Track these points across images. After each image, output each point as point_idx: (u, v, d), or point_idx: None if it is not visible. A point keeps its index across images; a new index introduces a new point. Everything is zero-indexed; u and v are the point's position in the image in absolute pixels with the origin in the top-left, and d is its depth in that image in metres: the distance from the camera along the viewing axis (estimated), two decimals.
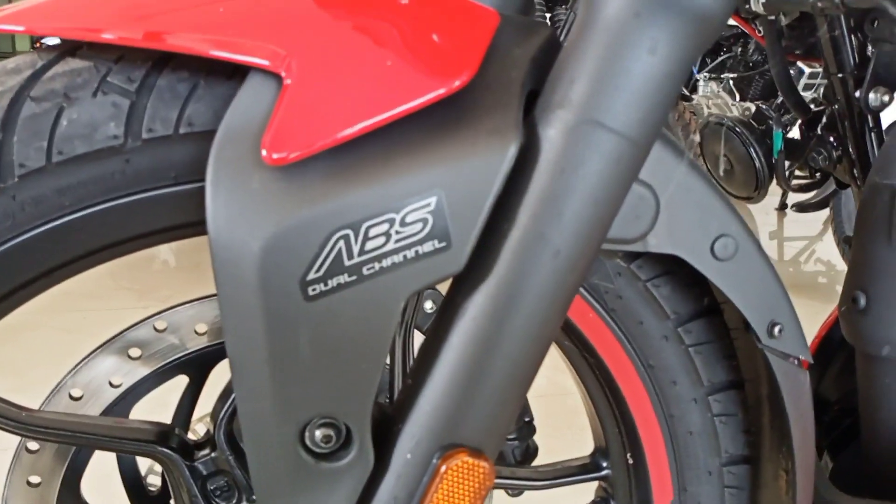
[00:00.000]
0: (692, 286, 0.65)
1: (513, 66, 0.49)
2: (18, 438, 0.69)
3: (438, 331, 0.48)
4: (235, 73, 0.49)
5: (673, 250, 0.57)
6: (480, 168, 0.46)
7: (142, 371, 0.69)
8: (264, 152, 0.44)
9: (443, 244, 0.46)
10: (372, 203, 0.45)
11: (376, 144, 0.46)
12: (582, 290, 0.64)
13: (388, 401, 0.68)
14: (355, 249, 0.45)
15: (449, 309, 0.48)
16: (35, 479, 0.70)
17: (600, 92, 0.45)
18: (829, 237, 3.38)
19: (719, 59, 3.72)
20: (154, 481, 0.74)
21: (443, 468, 0.47)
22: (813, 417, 0.69)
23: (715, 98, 3.53)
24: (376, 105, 0.45)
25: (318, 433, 0.48)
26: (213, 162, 0.46)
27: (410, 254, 0.46)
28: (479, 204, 0.46)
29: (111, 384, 0.69)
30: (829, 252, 3.58)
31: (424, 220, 0.46)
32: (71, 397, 0.68)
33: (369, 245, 0.45)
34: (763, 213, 4.21)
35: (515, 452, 0.79)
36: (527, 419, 0.81)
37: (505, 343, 0.47)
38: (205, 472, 0.61)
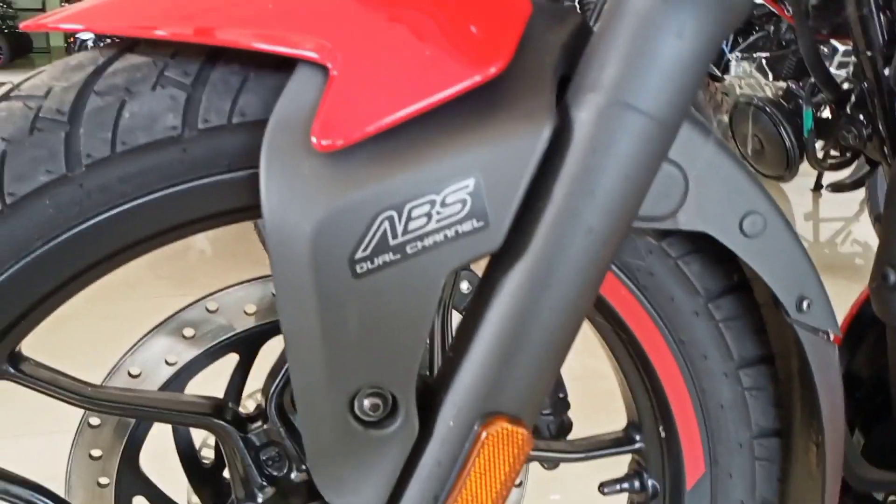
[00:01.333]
0: (721, 263, 0.67)
1: (545, 52, 0.52)
2: (80, 417, 0.73)
3: (477, 306, 0.51)
4: (283, 65, 0.52)
5: (702, 227, 0.59)
6: (516, 150, 0.48)
7: (195, 350, 0.73)
8: (314, 139, 0.47)
9: (481, 223, 0.49)
10: (414, 185, 0.48)
11: (417, 130, 0.49)
12: (614, 267, 0.66)
13: (428, 373, 0.71)
14: (399, 229, 0.48)
15: (487, 285, 0.51)
16: (97, 453, 0.74)
17: (629, 75, 0.48)
18: (866, 218, 3.34)
19: (751, 38, 3.68)
20: (208, 454, 0.78)
21: (483, 434, 0.50)
22: (842, 391, 0.70)
23: (747, 78, 3.50)
24: (416, 93, 0.48)
25: (367, 402, 0.51)
26: (265, 150, 0.49)
27: (451, 233, 0.48)
28: (515, 185, 0.49)
29: (167, 362, 0.73)
30: (866, 233, 3.54)
31: (464, 201, 0.48)
32: (130, 375, 0.72)
33: (412, 225, 0.48)
34: (798, 193, 4.17)
35: (551, 427, 0.82)
36: (561, 395, 0.83)
37: (541, 316, 0.50)
38: (258, 443, 0.65)
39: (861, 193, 3.26)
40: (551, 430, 0.82)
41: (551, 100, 0.50)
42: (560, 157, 0.49)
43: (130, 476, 0.75)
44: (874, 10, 0.87)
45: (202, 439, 0.78)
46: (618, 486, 0.79)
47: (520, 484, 0.86)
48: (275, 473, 0.64)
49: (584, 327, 0.72)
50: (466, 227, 0.49)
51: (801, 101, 2.11)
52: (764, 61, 3.61)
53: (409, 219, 0.48)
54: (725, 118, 2.70)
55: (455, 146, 0.49)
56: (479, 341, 0.51)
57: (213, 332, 0.73)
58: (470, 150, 0.48)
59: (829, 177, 3.50)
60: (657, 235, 0.65)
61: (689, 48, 0.48)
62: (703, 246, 0.66)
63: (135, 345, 0.73)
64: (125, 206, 0.54)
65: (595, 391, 1.42)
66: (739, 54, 3.66)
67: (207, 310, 0.73)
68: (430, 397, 0.52)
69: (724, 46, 3.84)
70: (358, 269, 0.49)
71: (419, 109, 0.48)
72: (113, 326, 2.34)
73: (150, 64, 0.53)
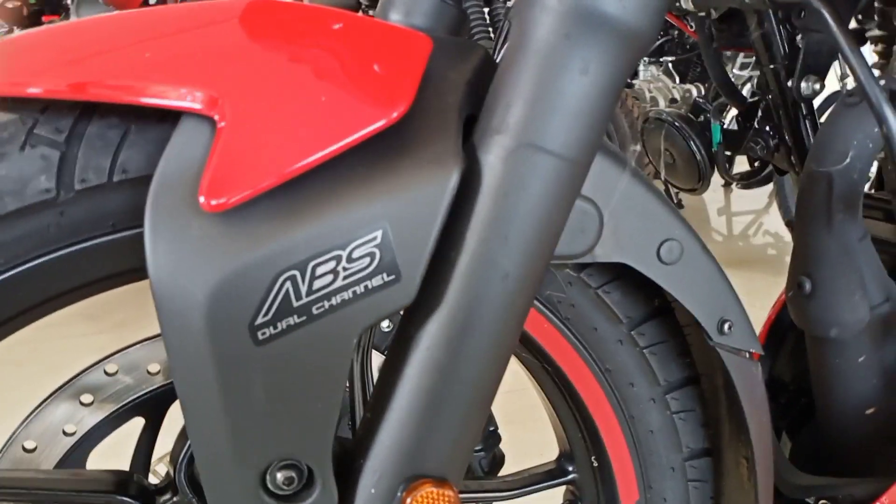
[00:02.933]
0: (642, 289, 0.66)
1: (449, 91, 0.49)
2: None
3: (394, 362, 0.48)
4: (167, 116, 0.48)
5: (620, 258, 0.58)
6: (424, 198, 0.46)
7: (96, 416, 0.67)
8: (202, 199, 0.44)
9: (392, 277, 0.46)
10: (316, 241, 0.45)
11: (316, 182, 0.46)
12: (536, 301, 0.64)
13: (349, 425, 0.68)
14: (303, 290, 0.45)
15: (403, 340, 0.48)
16: None
17: (536, 115, 0.46)
18: (775, 210, 3.46)
19: (657, 42, 3.77)
20: None
21: (408, 500, 0.47)
22: (767, 406, 0.70)
23: (655, 82, 3.58)
24: (313, 143, 0.45)
25: (280, 475, 0.47)
26: (150, 211, 0.45)
27: (360, 289, 0.45)
28: (426, 234, 0.46)
29: (65, 433, 0.67)
30: (776, 224, 3.67)
31: (372, 255, 0.45)
32: (24, 450, 0.66)
33: (317, 284, 0.45)
34: (710, 189, 4.30)
35: (482, 463, 0.80)
36: (491, 429, 0.81)
37: (461, 369, 0.47)
38: None
39: (770, 187, 3.37)
40: (483, 467, 0.79)
41: (457, 142, 0.47)
42: (470, 203, 0.47)
43: None
44: (775, 24, 0.88)
45: None
46: None
47: None
48: None
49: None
50: (376, 281, 0.46)
51: (709, 114, 2.17)
52: (670, 65, 3.71)
53: (313, 277, 0.45)
54: (638, 124, 2.77)
55: (359, 197, 0.45)
56: (397, 401, 0.48)
57: (115, 395, 0.68)
58: (375, 200, 0.45)
59: (739, 170, 3.62)
60: (577, 267, 0.63)
61: (595, 84, 0.46)
62: (623, 274, 0.65)
63: (29, 415, 0.67)
64: (0, 278, 0.49)
65: (530, 403, 1.41)
66: (647, 59, 3.75)
67: (106, 372, 0.67)
68: (349, 463, 0.49)
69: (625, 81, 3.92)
70: (260, 336, 0.45)
71: (317, 160, 0.45)
72: (22, 372, 2.21)
73: (17, 121, 0.48)
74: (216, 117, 0.45)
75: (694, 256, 0.61)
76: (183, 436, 0.62)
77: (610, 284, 0.65)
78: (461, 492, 0.70)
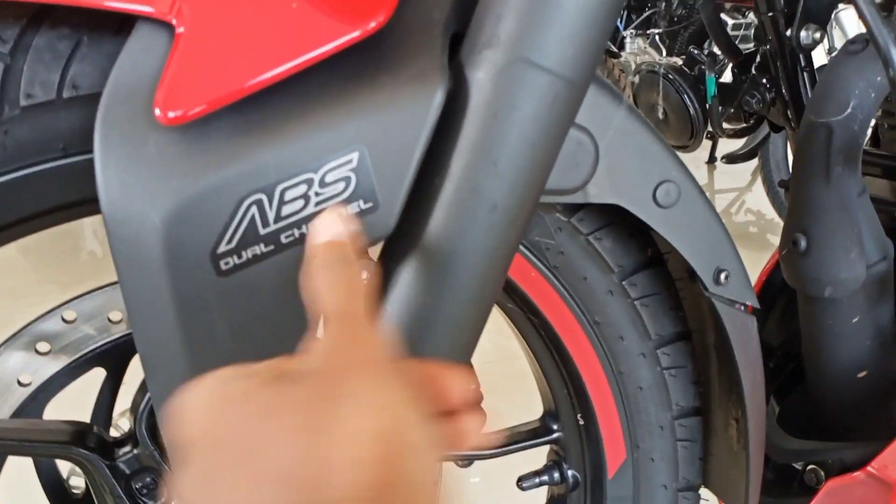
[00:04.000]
0: (635, 237, 0.63)
1: (433, 5, 0.45)
2: None
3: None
4: (123, 28, 0.44)
5: (615, 200, 0.54)
6: (405, 118, 0.42)
7: (53, 366, 0.63)
8: (158, 111, 0.39)
9: (369, 204, 0.42)
10: (286, 163, 0.40)
11: (286, 97, 0.41)
12: (522, 247, 0.61)
13: None
14: (270, 216, 0.41)
15: (382, 275, 0.44)
16: None
17: (530, 28, 0.42)
18: (758, 187, 3.45)
19: (644, 14, 3.73)
20: (78, 483, 0.68)
21: None
22: (761, 363, 0.67)
23: (642, 54, 3.53)
24: (283, 52, 0.41)
25: None
26: (100, 126, 0.41)
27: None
28: (406, 158, 0.42)
29: (20, 383, 0.63)
30: (759, 202, 3.66)
31: (347, 179, 0.41)
32: None
33: (286, 210, 0.41)
34: (693, 166, 4.28)
35: None
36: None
37: (444, 308, 0.44)
38: (128, 471, 0.56)
39: (753, 164, 3.36)
40: None
41: (443, 59, 0.43)
42: (456, 124, 0.43)
43: None
44: None
45: (69, 468, 0.68)
46: (537, 480, 0.74)
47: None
48: (149, 503, 0.56)
49: (493, 311, 0.66)
50: (352, 209, 0.42)
51: (703, 66, 2.12)
52: (657, 37, 3.66)
53: (281, 202, 0.41)
54: (633, 80, 2.72)
55: (333, 115, 0.41)
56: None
57: (74, 344, 0.64)
58: (351, 119, 0.41)
59: (723, 149, 3.59)
60: (567, 211, 0.60)
61: None
62: (615, 220, 0.61)
63: None
64: None
65: (511, 372, 1.39)
66: (633, 31, 3.70)
67: (64, 319, 0.63)
68: None
69: (618, 24, 3.88)
70: (223, 266, 0.41)
71: (287, 71, 0.41)
72: None
73: None
74: (174, 22, 0.40)
75: (691, 201, 0.58)
76: (144, 387, 0.58)
77: (601, 231, 0.61)
78: None
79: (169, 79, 0.39)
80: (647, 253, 0.64)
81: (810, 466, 0.86)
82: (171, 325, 0.41)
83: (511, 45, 0.42)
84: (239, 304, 0.41)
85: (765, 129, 2.59)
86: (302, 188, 0.41)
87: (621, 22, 3.86)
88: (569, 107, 0.44)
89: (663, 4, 3.70)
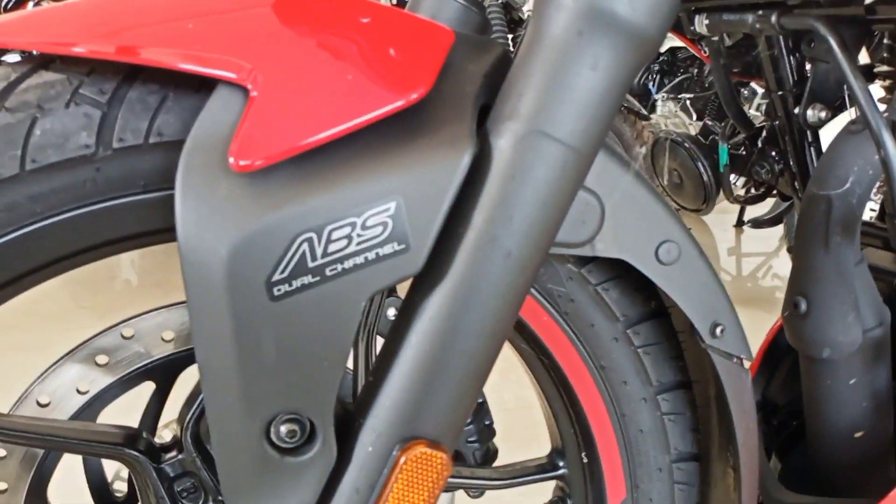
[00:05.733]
0: (639, 290, 0.69)
1: (467, 81, 0.53)
2: None
3: (398, 329, 0.51)
4: (203, 86, 0.52)
5: (619, 254, 0.61)
6: (437, 175, 0.49)
7: (108, 378, 0.70)
8: (231, 160, 0.47)
9: (402, 246, 0.49)
10: (334, 207, 0.48)
11: (338, 153, 0.49)
12: (536, 293, 0.67)
13: (351, 393, 0.70)
14: (318, 251, 0.48)
15: (408, 308, 0.51)
16: (1, 486, 0.70)
17: (546, 105, 0.49)
18: (785, 252, 3.47)
19: (677, 79, 3.83)
20: (121, 487, 0.75)
21: (402, 459, 0.50)
22: (755, 415, 0.72)
23: (673, 117, 3.62)
24: (338, 115, 0.48)
25: (284, 428, 0.50)
26: (182, 169, 0.48)
27: (371, 255, 0.48)
28: (436, 209, 0.49)
29: (78, 391, 0.70)
30: (785, 267, 3.68)
31: (384, 224, 0.48)
32: (38, 404, 0.69)
33: (332, 248, 0.48)
34: (721, 229, 4.31)
35: (476, 454, 0.82)
36: (487, 422, 0.83)
37: (461, 340, 0.50)
38: (172, 474, 0.63)
39: (781, 230, 3.39)
40: (477, 458, 0.81)
41: (472, 127, 0.50)
42: (479, 183, 0.50)
43: None
44: (784, 52, 0.91)
45: (115, 471, 0.75)
46: None
47: None
48: None
49: (511, 356, 0.72)
50: (387, 249, 0.49)
51: (716, 136, 2.20)
52: (688, 102, 3.76)
53: (328, 241, 0.48)
54: (642, 150, 2.81)
55: (377, 170, 0.49)
56: (399, 365, 0.50)
57: (129, 359, 0.71)
58: (392, 173, 0.49)
59: (751, 213, 3.63)
60: (578, 263, 0.66)
61: (603, 80, 0.49)
62: (622, 273, 0.67)
63: (44, 372, 0.70)
64: (34, 227, 0.52)
65: (527, 421, 1.43)
66: (665, 95, 3.80)
67: (123, 336, 0.70)
68: (349, 423, 0.52)
69: (650, 87, 3.99)
70: (275, 292, 0.48)
71: (340, 132, 0.48)
72: (26, 358, 2.25)
73: (64, 81, 0.52)
74: (249, 87, 0.48)
75: (691, 259, 0.64)
76: (191, 399, 0.65)
77: (609, 282, 0.67)
78: (453, 476, 0.72)
79: (242, 133, 0.47)
80: (651, 305, 0.70)
81: None
82: (228, 341, 0.48)
83: (529, 118, 0.49)
84: (287, 325, 0.48)
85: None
86: (346, 230, 0.48)
87: (654, 85, 3.98)
88: (577, 172, 0.51)
89: (695, 71, 3.80)
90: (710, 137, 2.26)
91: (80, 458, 0.73)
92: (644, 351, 0.70)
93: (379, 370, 0.51)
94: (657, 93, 3.79)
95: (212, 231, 0.47)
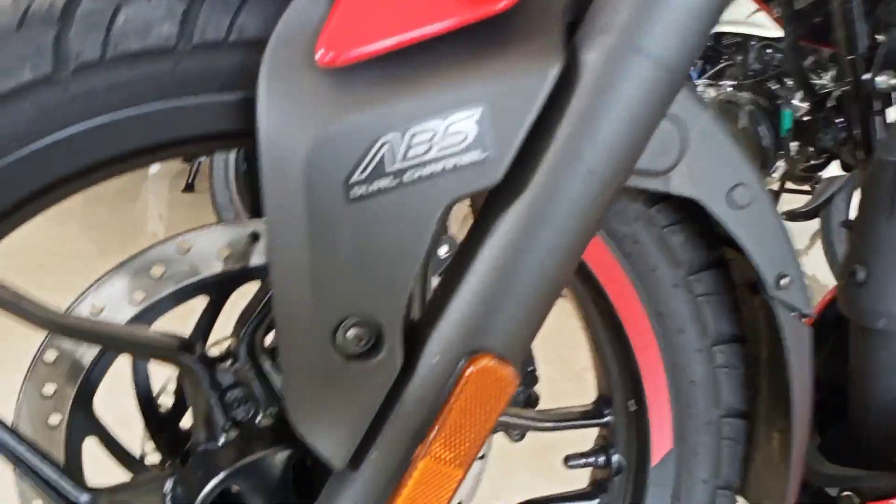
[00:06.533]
0: (704, 237, 0.67)
1: None
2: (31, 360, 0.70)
3: (471, 241, 0.50)
4: None
5: (692, 193, 0.59)
6: (524, 85, 0.48)
7: (163, 289, 0.70)
8: (318, 54, 0.46)
9: (483, 156, 0.48)
10: (419, 110, 0.47)
11: (424, 56, 0.48)
12: (601, 232, 0.66)
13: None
14: (399, 155, 0.47)
15: (483, 220, 0.50)
16: (49, 391, 0.71)
17: (641, 19, 0.48)
18: (816, 251, 3.42)
19: (719, 66, 3.77)
20: (166, 401, 0.75)
21: (469, 370, 0.49)
22: (812, 375, 0.71)
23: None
24: (426, 17, 0.47)
25: (351, 333, 0.50)
26: (266, 64, 0.48)
27: (451, 164, 0.48)
28: (521, 120, 0.48)
29: (133, 300, 0.70)
30: (816, 266, 3.63)
31: (467, 132, 0.48)
32: (93, 307, 0.69)
33: (412, 152, 0.47)
34: None
35: (519, 397, 0.81)
36: (530, 368, 0.83)
37: (535, 255, 0.49)
38: (224, 384, 0.63)
39: (812, 228, 3.34)
40: (519, 402, 0.81)
41: (561, 40, 0.49)
42: (566, 98, 0.49)
43: (83, 418, 0.72)
44: (858, 16, 0.89)
45: (162, 384, 0.75)
46: (583, 461, 0.78)
47: (482, 457, 0.85)
48: (239, 416, 0.62)
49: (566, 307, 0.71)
50: (467, 158, 0.48)
51: (780, 101, 2.16)
52: (729, 90, 3.70)
53: (410, 145, 0.47)
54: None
55: (463, 76, 0.48)
56: (471, 277, 0.50)
57: (185, 272, 0.71)
58: (478, 81, 0.48)
59: (783, 206, 3.58)
60: (647, 201, 0.65)
61: None
62: (688, 217, 0.66)
63: (100, 278, 0.70)
64: (109, 117, 0.52)
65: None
66: (707, 81, 3.74)
67: (180, 248, 0.70)
68: (416, 333, 0.51)
69: (692, 72, 3.93)
70: (352, 194, 0.47)
71: (427, 34, 0.47)
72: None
73: None
74: None
75: (762, 206, 0.62)
76: (248, 311, 0.65)
77: (675, 226, 0.66)
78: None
79: (330, 28, 0.46)
80: (715, 254, 0.68)
81: (846, 493, 0.88)
82: (303, 240, 0.48)
83: (623, 32, 0.48)
84: (362, 228, 0.48)
85: (828, 190, 2.59)
86: (429, 134, 0.47)
87: (696, 70, 3.92)
88: (667, 93, 0.49)
89: (739, 58, 3.74)
90: (773, 101, 2.22)
91: (127, 375, 0.73)
92: (704, 300, 0.69)
93: (448, 281, 0.51)
94: (699, 79, 3.74)
95: (293, 128, 0.47)
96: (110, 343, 0.62)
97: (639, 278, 0.68)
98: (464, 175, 0.48)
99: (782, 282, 0.65)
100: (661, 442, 0.74)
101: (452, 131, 0.47)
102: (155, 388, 0.75)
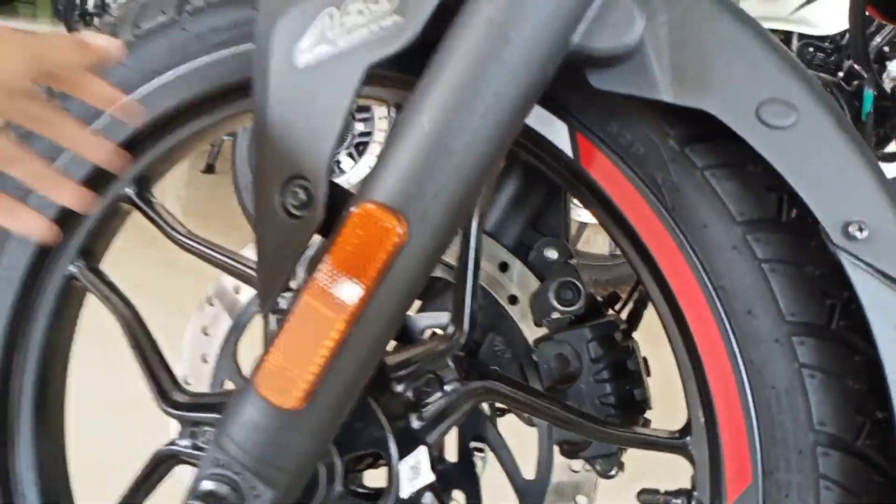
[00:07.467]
0: (767, 185, 0.55)
1: None
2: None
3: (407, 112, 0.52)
4: None
5: (698, 104, 0.51)
6: None
7: None
8: None
9: (401, 20, 0.52)
10: None
11: None
12: (638, 180, 0.58)
13: None
14: (336, 23, 0.54)
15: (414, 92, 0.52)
16: (210, 330, 0.86)
17: None
18: None
19: None
20: None
21: (352, 210, 0.50)
22: None
23: None
24: None
25: (293, 192, 0.55)
26: None
27: (374, 28, 0.52)
28: None
29: None
30: None
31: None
32: None
33: (347, 20, 0.54)
34: None
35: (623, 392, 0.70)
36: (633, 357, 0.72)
37: (430, 116, 0.50)
38: None
39: None
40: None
41: None
42: None
43: (228, 361, 0.86)
44: None
45: None
46: (660, 499, 0.63)
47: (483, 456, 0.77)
48: None
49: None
50: (388, 22, 0.52)
51: (862, 82, 1.91)
52: None
53: (344, 14, 0.54)
54: None
55: None
56: (393, 139, 0.52)
57: None
58: None
59: None
60: (680, 139, 0.57)
61: None
62: (737, 160, 0.55)
63: None
64: (217, 54, 0.69)
65: None
66: None
67: None
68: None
69: None
70: (299, 61, 0.55)
71: None
72: None
73: None
74: None
75: (815, 128, 0.50)
76: None
77: (721, 169, 0.56)
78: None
79: None
80: (785, 209, 0.54)
81: None
82: (263, 104, 0.56)
83: None
84: (301, 94, 0.54)
85: None
86: (360, 4, 0.53)
87: None
88: None
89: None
90: (854, 83, 1.95)
91: None
92: (770, 268, 0.54)
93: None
94: None
95: (270, 13, 0.57)
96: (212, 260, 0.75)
97: (688, 237, 0.57)
98: (385, 38, 0.52)
99: (853, 231, 0.49)
100: (738, 471, 0.57)
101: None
102: None
